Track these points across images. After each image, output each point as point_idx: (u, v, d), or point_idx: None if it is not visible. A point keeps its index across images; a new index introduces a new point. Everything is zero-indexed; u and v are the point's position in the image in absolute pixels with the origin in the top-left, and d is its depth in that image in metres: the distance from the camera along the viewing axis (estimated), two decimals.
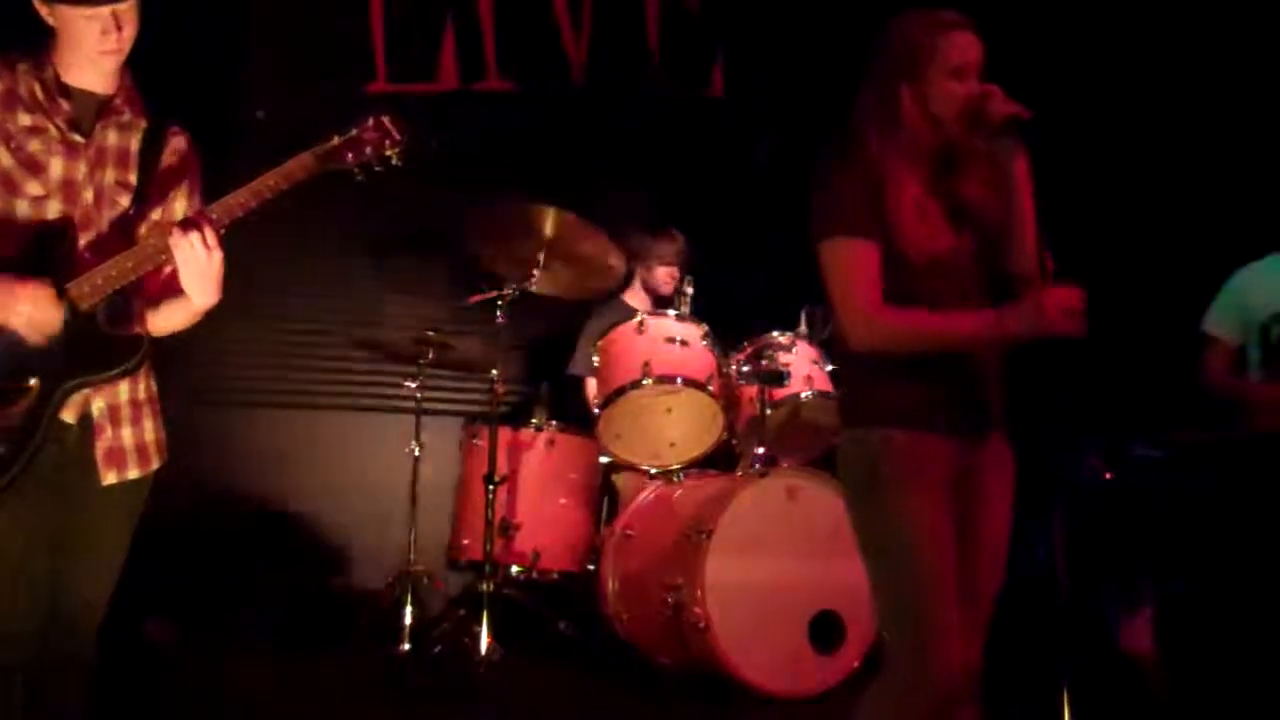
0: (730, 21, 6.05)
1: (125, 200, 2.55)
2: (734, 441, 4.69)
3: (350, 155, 2.55)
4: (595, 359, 4.79)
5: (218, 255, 2.44)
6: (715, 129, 5.95)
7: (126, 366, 2.47)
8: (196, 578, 4.90)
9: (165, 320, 2.63)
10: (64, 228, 2.47)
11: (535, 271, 4.72)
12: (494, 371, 4.77)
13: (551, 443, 4.94)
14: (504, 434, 4.83)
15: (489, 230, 4.70)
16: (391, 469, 5.21)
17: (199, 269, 2.44)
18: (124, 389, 2.53)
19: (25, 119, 2.48)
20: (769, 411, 4.52)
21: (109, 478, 2.51)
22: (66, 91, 2.52)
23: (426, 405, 5.07)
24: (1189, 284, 4.63)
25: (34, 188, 2.46)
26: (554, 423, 4.99)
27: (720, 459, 4.81)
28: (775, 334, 4.66)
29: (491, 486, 4.63)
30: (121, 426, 2.54)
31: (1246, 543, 3.97)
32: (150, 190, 2.59)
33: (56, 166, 2.49)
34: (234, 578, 5.11)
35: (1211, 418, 4.19)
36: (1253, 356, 4.17)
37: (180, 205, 2.65)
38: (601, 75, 5.99)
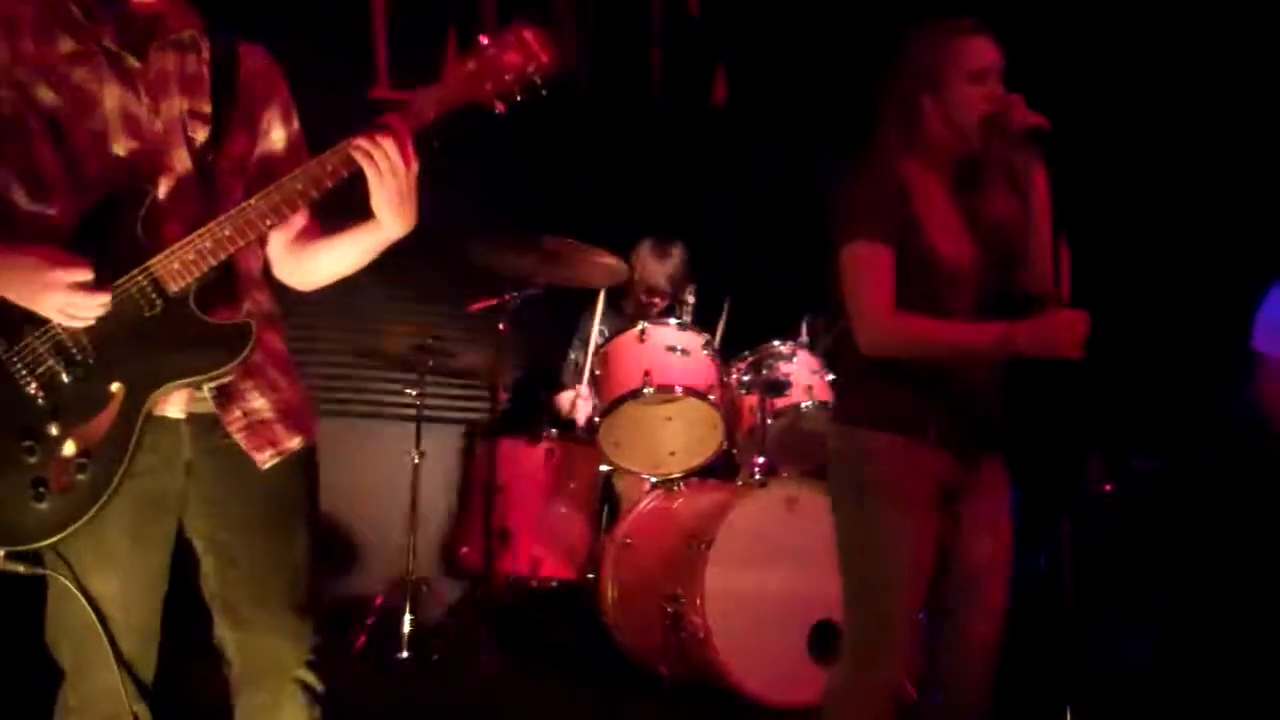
0: (733, 31, 6.05)
1: (202, 134, 2.08)
2: (734, 451, 4.68)
3: (489, 84, 2.06)
4: (577, 364, 4.80)
5: (416, 167, 2.04)
6: (717, 138, 5.94)
7: (232, 363, 2.00)
8: (195, 583, 4.89)
9: (335, 262, 2.23)
10: (139, 178, 2.01)
11: (537, 279, 4.71)
12: (495, 380, 4.77)
13: (551, 452, 4.94)
14: (504, 442, 4.83)
15: (491, 244, 4.69)
16: (391, 476, 5.21)
17: (397, 186, 2.02)
18: None
19: (66, 43, 2.01)
20: (769, 421, 4.52)
21: (266, 458, 2.07)
22: (109, 4, 2.04)
23: (427, 413, 5.07)
24: (1191, 296, 4.62)
25: (88, 125, 2.00)
26: (554, 431, 4.99)
27: (720, 468, 4.81)
28: (776, 343, 4.66)
29: (491, 495, 4.62)
30: (248, 398, 2.08)
31: (1246, 556, 3.96)
32: (232, 120, 2.12)
33: (111, 96, 2.01)
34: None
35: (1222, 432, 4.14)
36: None
37: (278, 135, 2.21)
38: (604, 83, 5.98)
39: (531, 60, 2.08)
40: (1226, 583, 4.00)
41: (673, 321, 4.72)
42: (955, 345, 2.52)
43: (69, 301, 1.91)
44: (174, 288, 1.96)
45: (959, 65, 2.52)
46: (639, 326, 4.66)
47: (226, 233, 1.98)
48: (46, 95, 1.98)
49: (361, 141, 1.99)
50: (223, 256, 1.98)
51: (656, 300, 5.18)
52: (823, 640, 4.10)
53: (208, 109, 2.09)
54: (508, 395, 5.18)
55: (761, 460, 4.44)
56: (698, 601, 4.05)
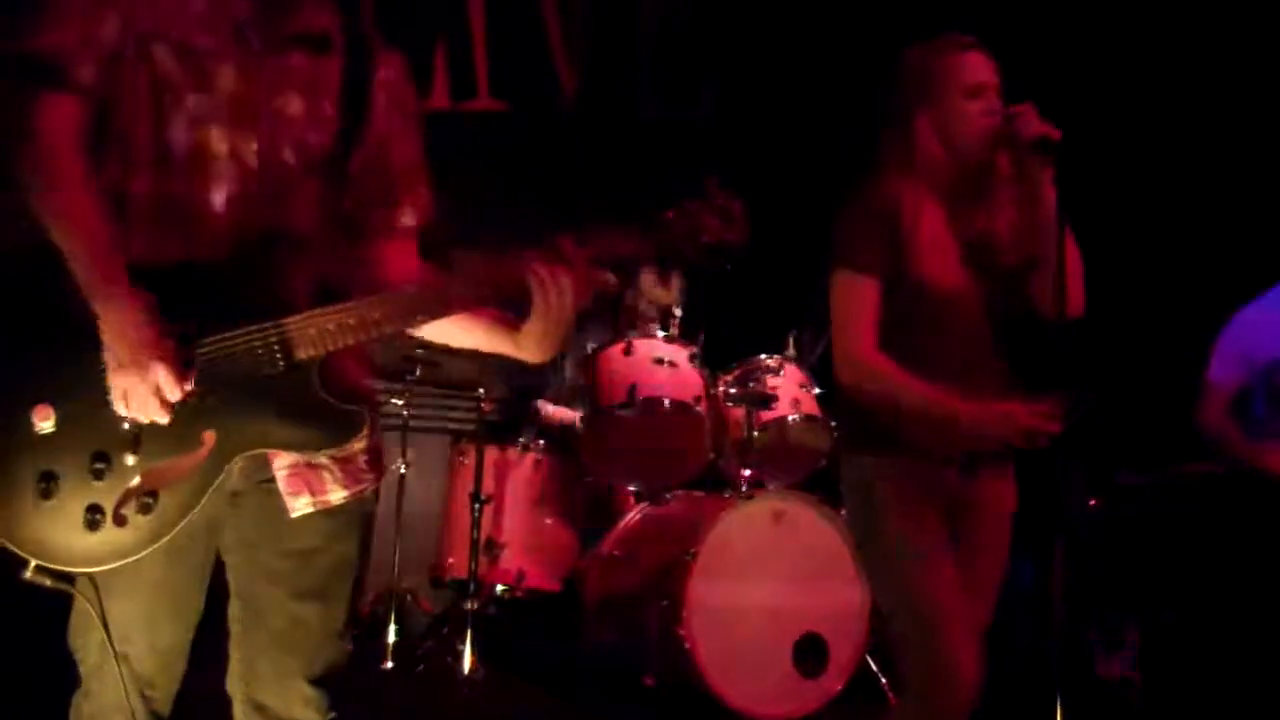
0: (719, 45, 6.08)
1: (317, 136, 1.89)
2: (720, 463, 4.68)
3: (680, 241, 1.95)
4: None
5: (582, 304, 1.90)
6: (704, 152, 5.97)
7: (331, 449, 1.86)
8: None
9: (456, 340, 2.05)
10: (241, 167, 1.82)
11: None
12: (481, 390, 4.77)
13: (538, 462, 4.94)
14: (490, 453, 4.82)
15: (478, 255, 4.69)
16: None
17: (558, 321, 1.89)
18: None
19: (199, 4, 1.82)
20: (756, 434, 4.52)
21: (299, 506, 1.89)
22: None
23: (413, 423, 5.07)
24: (1179, 310, 4.63)
25: (194, 102, 1.80)
26: (541, 442, 4.98)
27: (707, 481, 4.80)
28: (763, 356, 4.67)
29: (477, 505, 4.62)
30: None
31: (1230, 572, 3.98)
32: (353, 128, 1.93)
33: (225, 77, 1.81)
34: (218, 593, 5.08)
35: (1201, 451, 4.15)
36: (1257, 403, 3.98)
37: (397, 154, 2.02)
38: (592, 97, 6.01)
39: (731, 229, 1.99)
40: (1213, 596, 4.02)
41: (659, 334, 4.73)
42: (912, 406, 2.50)
43: (136, 395, 1.73)
44: (302, 355, 1.79)
45: (954, 81, 2.53)
46: (624, 339, 4.66)
47: (375, 315, 1.82)
48: (164, 57, 1.79)
49: (540, 270, 1.88)
50: (363, 338, 1.82)
51: (655, 322, 5.19)
52: (807, 653, 4.10)
53: (330, 111, 1.90)
54: (494, 406, 5.17)
55: (748, 473, 4.44)
56: (682, 614, 4.04)
